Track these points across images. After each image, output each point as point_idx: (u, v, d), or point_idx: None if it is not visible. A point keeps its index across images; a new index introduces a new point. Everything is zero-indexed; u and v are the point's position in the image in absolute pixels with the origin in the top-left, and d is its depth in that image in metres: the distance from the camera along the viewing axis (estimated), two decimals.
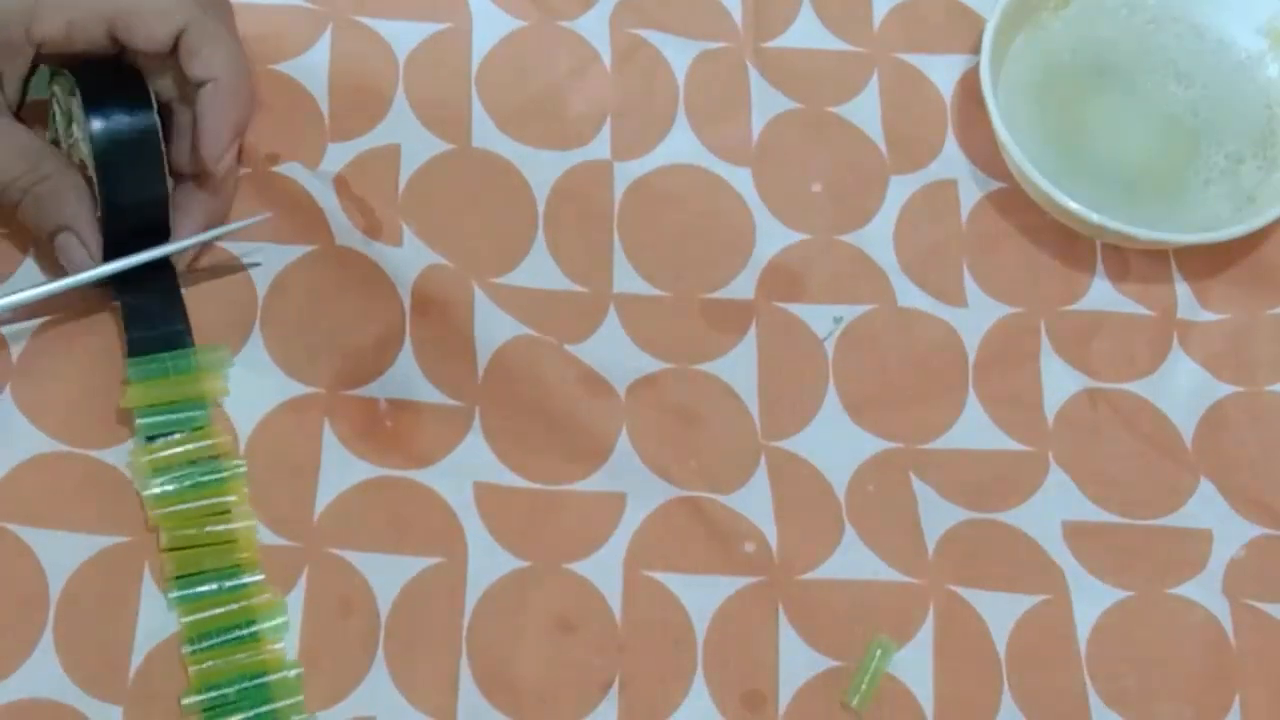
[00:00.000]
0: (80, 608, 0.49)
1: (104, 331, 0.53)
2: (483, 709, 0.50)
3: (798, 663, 0.51)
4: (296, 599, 0.50)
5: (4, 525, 0.50)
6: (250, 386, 0.53)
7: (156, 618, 0.49)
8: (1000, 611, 0.53)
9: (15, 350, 0.52)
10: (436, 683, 0.50)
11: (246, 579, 0.50)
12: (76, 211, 0.50)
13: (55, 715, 0.48)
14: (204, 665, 0.48)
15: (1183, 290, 0.59)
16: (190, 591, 0.49)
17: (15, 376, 0.52)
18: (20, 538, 0.50)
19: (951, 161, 0.61)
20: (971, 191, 0.60)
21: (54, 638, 0.49)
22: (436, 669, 0.50)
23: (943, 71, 0.62)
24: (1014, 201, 0.60)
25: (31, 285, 0.51)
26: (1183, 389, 0.57)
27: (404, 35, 0.60)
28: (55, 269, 0.53)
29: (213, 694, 0.48)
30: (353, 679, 0.49)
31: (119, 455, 0.51)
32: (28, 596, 0.49)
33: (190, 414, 0.51)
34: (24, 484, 0.50)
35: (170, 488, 0.50)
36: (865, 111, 0.61)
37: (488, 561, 0.51)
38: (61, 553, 0.50)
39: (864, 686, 0.51)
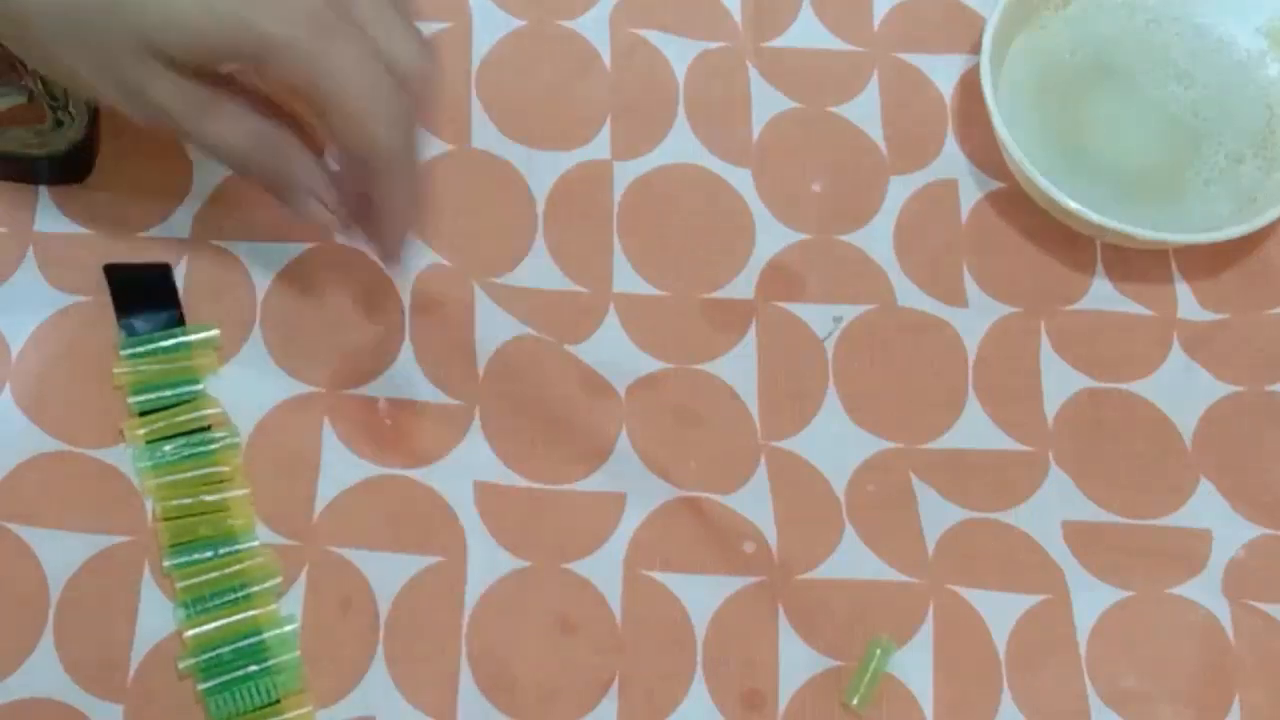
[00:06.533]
0: (80, 608, 0.49)
1: (103, 331, 0.53)
2: (483, 709, 0.50)
3: (798, 663, 0.51)
4: (296, 598, 0.50)
5: (4, 525, 0.50)
6: (250, 386, 0.53)
7: (156, 617, 0.49)
8: (1000, 611, 0.53)
9: (15, 350, 0.52)
10: (436, 683, 0.50)
11: (241, 545, 0.50)
12: (304, 172, 0.47)
13: (56, 714, 0.48)
14: (199, 629, 0.49)
15: (1183, 290, 0.59)
16: (185, 559, 0.50)
17: (15, 376, 0.52)
18: (20, 538, 0.50)
19: (951, 161, 0.61)
20: (971, 191, 0.60)
21: (54, 637, 0.49)
22: (436, 669, 0.50)
23: (943, 71, 0.62)
24: (1014, 201, 0.60)
25: (33, 288, 0.52)
26: (1183, 389, 0.57)
27: None
28: (55, 272, 0.53)
29: (207, 655, 0.48)
30: (352, 678, 0.49)
31: (119, 455, 0.51)
32: (28, 596, 0.49)
33: (181, 390, 0.52)
34: (24, 484, 0.50)
35: (163, 459, 0.51)
36: (865, 111, 0.61)
37: (488, 561, 0.51)
38: (61, 553, 0.50)
39: (864, 686, 0.51)
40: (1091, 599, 0.53)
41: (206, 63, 0.43)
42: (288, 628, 0.49)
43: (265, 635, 0.49)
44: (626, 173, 0.59)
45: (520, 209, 0.58)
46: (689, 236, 0.58)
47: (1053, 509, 0.55)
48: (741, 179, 0.59)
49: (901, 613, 0.52)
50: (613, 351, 0.56)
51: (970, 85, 0.61)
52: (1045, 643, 0.52)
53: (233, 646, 0.49)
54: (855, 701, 0.51)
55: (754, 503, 0.53)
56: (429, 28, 0.60)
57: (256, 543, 0.50)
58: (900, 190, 0.60)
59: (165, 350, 0.52)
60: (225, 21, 0.41)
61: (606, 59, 0.61)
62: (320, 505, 0.52)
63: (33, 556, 0.50)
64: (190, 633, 0.49)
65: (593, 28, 0.61)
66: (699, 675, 0.51)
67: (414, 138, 0.46)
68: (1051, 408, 0.56)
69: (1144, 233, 0.56)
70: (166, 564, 0.50)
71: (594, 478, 0.53)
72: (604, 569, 0.52)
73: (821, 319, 0.57)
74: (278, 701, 0.48)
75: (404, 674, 0.50)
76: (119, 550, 0.50)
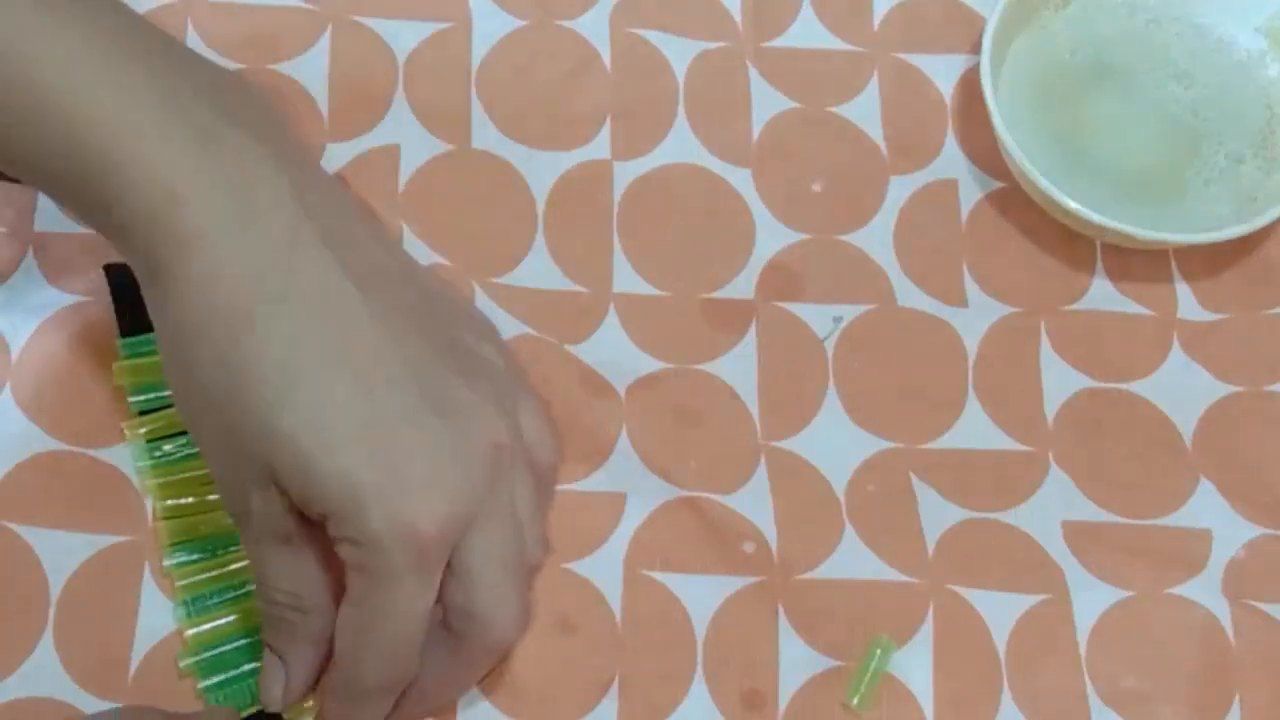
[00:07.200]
0: (80, 608, 0.49)
1: (103, 331, 0.53)
2: (483, 708, 0.50)
3: (798, 663, 0.51)
4: None
5: (4, 524, 0.50)
6: None
7: (156, 617, 0.49)
8: (1000, 611, 0.53)
9: (15, 350, 0.52)
10: None
11: (240, 544, 0.50)
12: (301, 653, 0.45)
13: (56, 714, 0.48)
14: (200, 628, 0.49)
15: (1183, 290, 0.59)
16: (185, 558, 0.50)
17: (15, 376, 0.52)
18: (20, 537, 0.50)
19: (951, 161, 0.61)
20: (971, 191, 0.60)
21: (54, 637, 0.49)
22: None
23: (943, 71, 0.62)
24: (1014, 201, 0.60)
25: (33, 288, 0.52)
26: (1183, 389, 0.57)
27: (404, 35, 0.60)
28: (54, 272, 0.53)
29: (208, 654, 0.48)
30: None
31: (119, 455, 0.51)
32: (28, 596, 0.49)
33: None
34: (24, 484, 0.50)
35: (164, 458, 0.51)
36: (865, 111, 0.61)
37: None
38: (61, 553, 0.50)
39: (864, 686, 0.51)
40: (1091, 599, 0.53)
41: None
42: None
43: None
44: (626, 173, 0.59)
45: (520, 209, 0.58)
46: (689, 236, 0.58)
47: (1053, 509, 0.55)
48: (741, 179, 0.59)
49: (901, 613, 0.52)
50: (613, 351, 0.55)
51: (970, 85, 0.61)
52: (1045, 643, 0.52)
53: (233, 645, 0.49)
54: (855, 701, 0.51)
55: (754, 503, 0.53)
56: (429, 28, 0.60)
57: None
58: (900, 190, 0.60)
59: None
60: (346, 502, 0.41)
61: (606, 59, 0.61)
62: None
63: (33, 556, 0.50)
64: (190, 631, 0.49)
65: (593, 28, 0.61)
66: (699, 675, 0.51)
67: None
68: (1051, 408, 0.56)
69: (1144, 233, 0.56)
70: (166, 563, 0.50)
71: (594, 478, 0.53)
72: (604, 569, 0.52)
73: (821, 319, 0.57)
74: None
75: None
76: (119, 550, 0.50)
